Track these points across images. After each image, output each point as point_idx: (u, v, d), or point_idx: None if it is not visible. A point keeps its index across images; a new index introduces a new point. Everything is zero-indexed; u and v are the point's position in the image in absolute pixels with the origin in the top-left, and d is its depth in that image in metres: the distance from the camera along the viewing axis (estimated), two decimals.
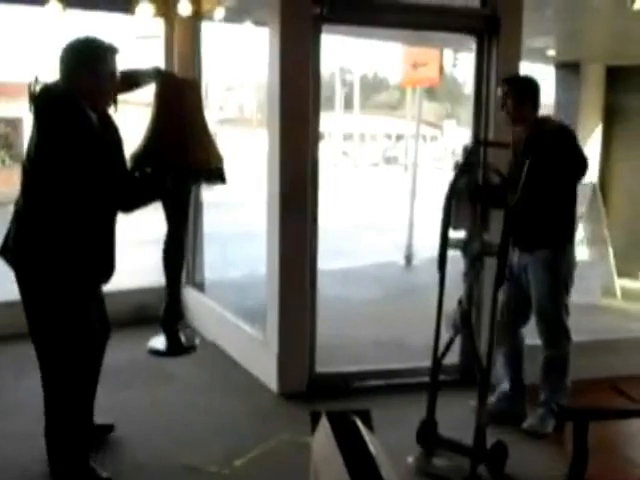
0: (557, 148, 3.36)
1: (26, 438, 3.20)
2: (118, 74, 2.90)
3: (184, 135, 3.71)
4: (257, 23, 5.28)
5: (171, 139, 3.69)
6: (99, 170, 2.65)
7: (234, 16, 5.20)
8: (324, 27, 3.82)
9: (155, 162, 3.61)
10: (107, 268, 2.91)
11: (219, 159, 3.90)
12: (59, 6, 4.54)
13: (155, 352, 4.12)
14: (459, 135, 26.48)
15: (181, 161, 3.67)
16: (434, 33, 5.78)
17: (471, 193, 3.30)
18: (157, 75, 3.67)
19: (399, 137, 35.83)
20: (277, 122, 3.80)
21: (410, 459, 3.21)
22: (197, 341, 4.28)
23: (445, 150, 31.70)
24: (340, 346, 4.61)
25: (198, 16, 5.02)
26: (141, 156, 3.61)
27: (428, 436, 3.22)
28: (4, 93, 14.84)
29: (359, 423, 2.07)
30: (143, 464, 3.15)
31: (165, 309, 4.11)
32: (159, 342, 4.13)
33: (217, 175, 3.95)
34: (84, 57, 2.76)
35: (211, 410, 3.78)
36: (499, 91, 3.61)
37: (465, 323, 3.23)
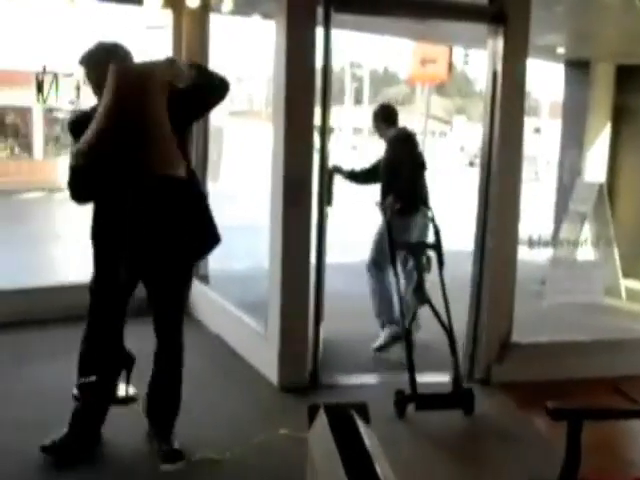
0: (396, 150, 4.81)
1: (24, 427, 3.24)
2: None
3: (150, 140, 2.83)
4: (265, 16, 5.28)
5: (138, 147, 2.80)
6: None
7: (242, 8, 5.20)
8: (333, 20, 3.82)
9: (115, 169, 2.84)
10: None
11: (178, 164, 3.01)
12: None
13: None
14: (469, 131, 26.33)
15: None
16: (443, 30, 5.78)
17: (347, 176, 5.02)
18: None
19: None
20: (282, 115, 3.79)
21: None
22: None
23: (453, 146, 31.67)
24: (342, 341, 4.63)
25: (206, 8, 5.03)
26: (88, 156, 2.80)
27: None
28: (13, 82, 14.85)
29: (356, 416, 2.08)
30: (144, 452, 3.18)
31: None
32: None
33: None
34: None
35: (211, 402, 3.78)
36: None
37: (419, 295, 4.02)
